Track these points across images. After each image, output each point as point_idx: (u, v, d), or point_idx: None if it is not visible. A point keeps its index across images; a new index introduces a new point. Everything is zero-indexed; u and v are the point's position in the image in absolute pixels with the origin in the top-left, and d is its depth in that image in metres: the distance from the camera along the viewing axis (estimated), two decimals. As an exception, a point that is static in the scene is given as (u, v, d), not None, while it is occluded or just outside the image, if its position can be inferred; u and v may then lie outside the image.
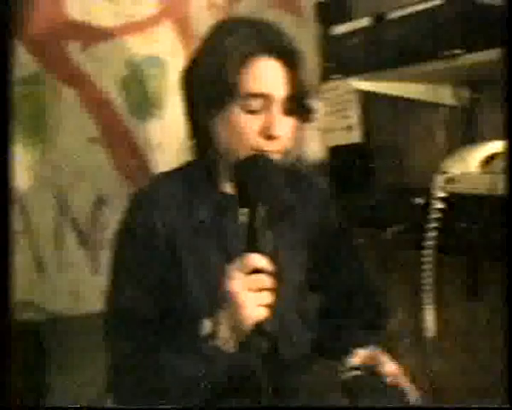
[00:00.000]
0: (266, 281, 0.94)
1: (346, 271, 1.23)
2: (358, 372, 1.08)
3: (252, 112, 1.04)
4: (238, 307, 0.93)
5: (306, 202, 1.19)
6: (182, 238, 1.07)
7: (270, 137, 1.04)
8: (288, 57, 1.04)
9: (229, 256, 1.01)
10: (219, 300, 0.97)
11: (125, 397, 1.04)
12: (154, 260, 1.06)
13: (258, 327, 0.94)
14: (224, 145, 1.07)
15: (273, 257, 0.95)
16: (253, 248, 0.95)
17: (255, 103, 1.03)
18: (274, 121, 1.03)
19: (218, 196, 1.11)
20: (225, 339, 0.96)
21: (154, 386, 1.00)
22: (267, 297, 0.94)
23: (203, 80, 1.06)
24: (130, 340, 1.04)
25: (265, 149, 1.04)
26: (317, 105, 1.70)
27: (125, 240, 1.09)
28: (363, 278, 1.25)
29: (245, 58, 1.02)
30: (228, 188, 1.11)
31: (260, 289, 0.94)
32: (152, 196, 1.09)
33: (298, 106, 1.07)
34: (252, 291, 0.93)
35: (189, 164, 1.16)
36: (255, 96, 1.03)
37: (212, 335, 0.97)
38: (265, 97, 1.03)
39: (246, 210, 0.98)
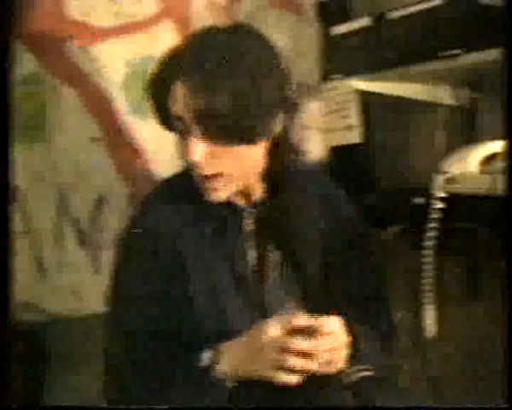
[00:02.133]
0: (306, 346, 0.85)
1: (359, 279, 1.13)
2: (367, 373, 1.01)
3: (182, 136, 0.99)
4: (266, 364, 0.87)
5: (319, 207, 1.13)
6: (187, 249, 1.04)
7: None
8: (204, 77, 0.92)
9: (235, 268, 1.02)
10: (230, 333, 0.94)
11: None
12: (158, 268, 1.03)
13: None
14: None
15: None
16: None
17: (178, 127, 0.98)
18: (190, 145, 0.96)
19: (219, 207, 1.06)
20: (225, 373, 0.92)
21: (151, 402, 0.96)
22: (303, 363, 0.86)
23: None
24: (129, 351, 1.01)
25: (205, 186, 1.00)
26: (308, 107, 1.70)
27: (128, 247, 1.07)
28: (377, 289, 1.16)
29: (166, 84, 0.98)
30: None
31: (298, 354, 0.85)
32: (156, 204, 1.07)
33: (230, 130, 0.94)
34: (289, 355, 0.85)
35: (186, 172, 1.11)
36: (176, 119, 0.98)
37: (212, 367, 0.92)
38: (182, 120, 0.97)
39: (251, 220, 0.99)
